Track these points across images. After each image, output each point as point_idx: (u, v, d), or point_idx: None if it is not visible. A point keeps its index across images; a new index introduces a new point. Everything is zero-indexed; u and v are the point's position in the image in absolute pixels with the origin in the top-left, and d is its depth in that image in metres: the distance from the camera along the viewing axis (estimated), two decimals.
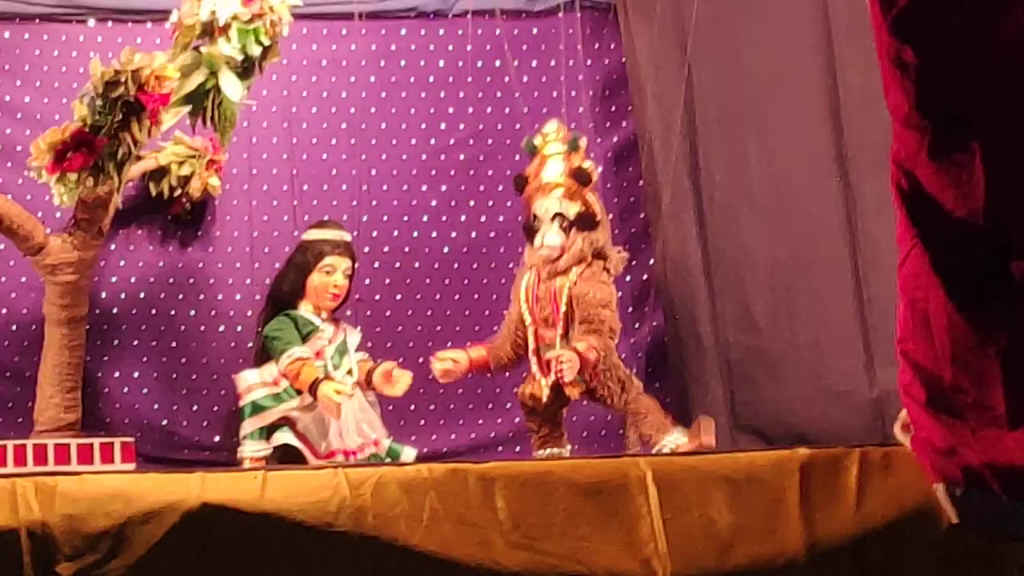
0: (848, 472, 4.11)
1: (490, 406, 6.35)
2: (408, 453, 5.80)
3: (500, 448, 6.28)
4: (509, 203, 6.48)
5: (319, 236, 5.86)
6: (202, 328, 6.22)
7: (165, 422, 6.14)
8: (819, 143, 6.24)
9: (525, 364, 5.63)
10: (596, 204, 5.58)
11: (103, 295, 6.13)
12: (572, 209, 5.51)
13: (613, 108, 6.55)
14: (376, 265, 6.39)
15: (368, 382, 5.70)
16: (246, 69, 5.68)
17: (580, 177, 5.55)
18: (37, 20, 6.28)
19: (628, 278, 6.40)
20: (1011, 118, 3.79)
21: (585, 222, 5.52)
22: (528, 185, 5.63)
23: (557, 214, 5.52)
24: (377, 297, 6.39)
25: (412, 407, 6.25)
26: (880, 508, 4.07)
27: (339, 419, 5.56)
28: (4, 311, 6.13)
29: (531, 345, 5.58)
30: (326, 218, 6.07)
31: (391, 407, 6.01)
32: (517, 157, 6.44)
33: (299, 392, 5.63)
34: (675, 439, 5.40)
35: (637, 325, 6.45)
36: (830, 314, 6.18)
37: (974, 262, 3.86)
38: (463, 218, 6.48)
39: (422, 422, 6.31)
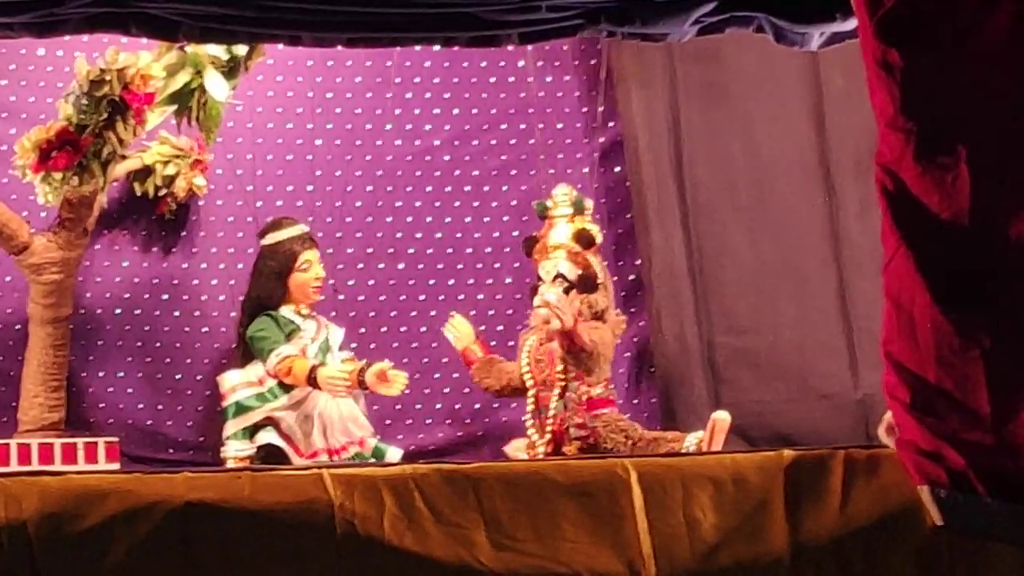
0: (833, 474, 4.11)
1: (477, 406, 6.34)
2: (393, 453, 5.80)
3: (485, 447, 6.28)
4: (495, 203, 6.49)
5: (283, 236, 5.87)
6: (186, 328, 6.21)
7: (149, 422, 6.12)
8: (803, 145, 6.26)
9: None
10: (598, 267, 5.62)
11: (88, 295, 6.11)
12: (573, 271, 5.53)
13: (601, 108, 6.55)
14: (360, 266, 6.39)
15: (359, 382, 5.68)
16: (232, 68, 5.68)
17: (582, 239, 5.59)
18: None
19: (615, 278, 6.41)
20: (996, 121, 3.80)
21: (585, 284, 5.55)
22: (535, 247, 5.66)
23: (558, 275, 5.54)
24: (361, 297, 6.38)
25: (398, 406, 6.25)
26: (865, 510, 4.07)
27: (349, 395, 5.60)
28: None
29: (530, 407, 5.62)
30: (271, 219, 6.05)
31: (376, 406, 6.01)
32: (503, 158, 6.47)
33: (290, 389, 5.63)
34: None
35: (623, 327, 6.45)
36: (814, 316, 6.20)
37: (959, 264, 3.86)
38: (448, 219, 6.48)
39: (409, 421, 6.31)
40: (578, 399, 5.51)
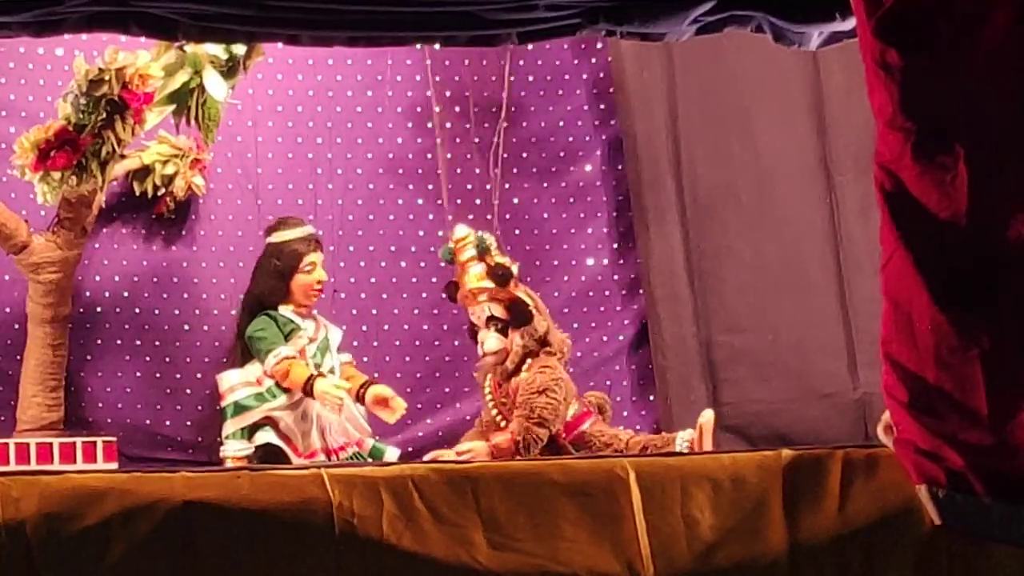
0: (831, 473, 4.11)
1: (478, 404, 6.33)
2: (391, 453, 5.80)
3: None
4: (496, 202, 6.48)
5: (290, 236, 5.85)
6: (185, 327, 6.20)
7: (148, 421, 6.12)
8: (803, 144, 6.26)
9: None
10: (526, 296, 5.59)
11: (87, 294, 6.11)
12: (501, 311, 5.52)
13: (602, 106, 6.55)
14: (362, 264, 6.39)
15: (359, 397, 5.67)
16: (230, 68, 5.69)
17: (498, 276, 5.55)
18: None
19: (616, 276, 6.41)
20: (994, 120, 3.80)
21: (519, 318, 5.52)
22: (458, 293, 5.65)
23: (490, 318, 5.52)
24: (363, 295, 6.38)
25: None
26: (863, 509, 4.07)
27: (340, 414, 5.57)
28: None
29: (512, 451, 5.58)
30: (279, 217, 6.04)
31: None
32: (505, 156, 6.45)
33: (287, 391, 5.63)
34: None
35: (626, 322, 6.45)
36: (813, 315, 6.20)
37: (957, 264, 3.86)
38: (450, 217, 6.47)
39: (408, 421, 6.30)
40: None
